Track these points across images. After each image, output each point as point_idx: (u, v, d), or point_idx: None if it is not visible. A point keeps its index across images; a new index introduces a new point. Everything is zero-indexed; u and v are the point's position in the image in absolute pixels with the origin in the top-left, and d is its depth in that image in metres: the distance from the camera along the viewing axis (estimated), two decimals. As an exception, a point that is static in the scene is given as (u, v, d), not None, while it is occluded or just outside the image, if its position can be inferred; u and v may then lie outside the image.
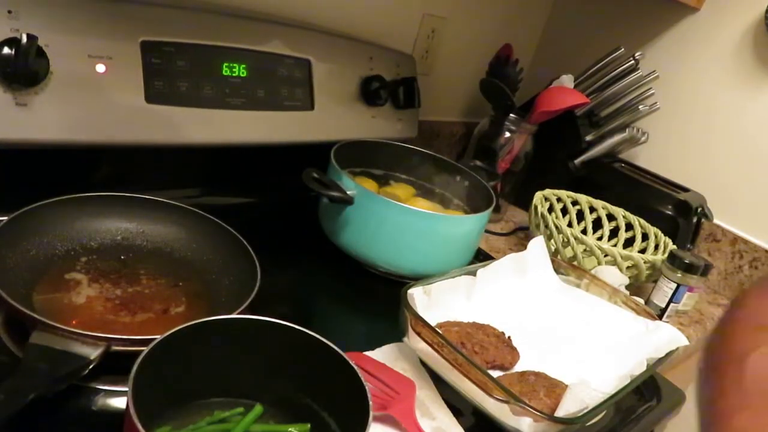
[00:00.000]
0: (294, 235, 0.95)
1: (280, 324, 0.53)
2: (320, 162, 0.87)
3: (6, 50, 0.65)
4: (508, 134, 1.20)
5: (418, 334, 0.66)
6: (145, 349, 0.46)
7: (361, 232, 0.85)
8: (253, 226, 0.76)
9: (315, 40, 0.98)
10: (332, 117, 1.00)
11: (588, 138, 1.27)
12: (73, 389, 0.54)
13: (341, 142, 0.92)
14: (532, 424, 0.60)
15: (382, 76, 1.04)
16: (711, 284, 1.28)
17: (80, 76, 0.73)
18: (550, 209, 1.18)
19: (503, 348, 0.75)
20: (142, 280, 0.69)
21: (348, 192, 0.82)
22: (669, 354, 0.75)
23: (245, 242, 0.71)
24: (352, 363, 0.52)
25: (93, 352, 0.52)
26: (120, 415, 0.43)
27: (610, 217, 1.20)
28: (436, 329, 0.67)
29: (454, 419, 0.64)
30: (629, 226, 1.18)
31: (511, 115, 1.19)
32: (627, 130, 1.24)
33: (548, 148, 1.25)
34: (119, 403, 0.55)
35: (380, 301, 0.85)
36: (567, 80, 1.21)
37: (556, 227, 1.03)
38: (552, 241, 1.03)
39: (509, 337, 0.77)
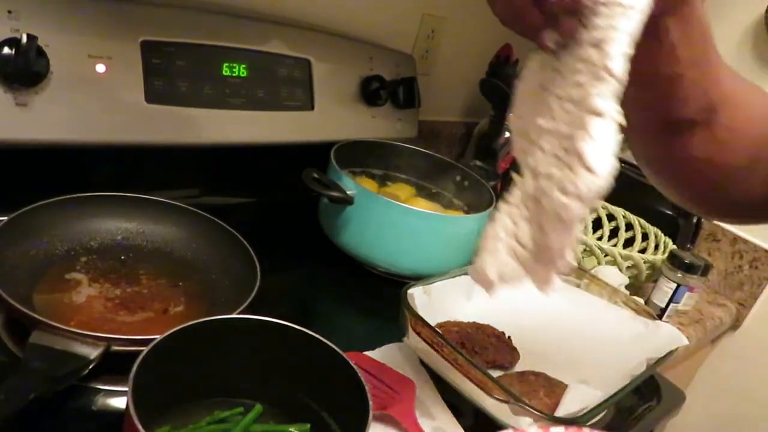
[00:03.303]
0: (294, 235, 0.95)
1: (280, 324, 0.53)
2: (320, 162, 0.87)
3: (6, 50, 0.66)
4: (508, 134, 1.20)
5: (418, 334, 0.66)
6: (145, 349, 0.46)
7: (361, 232, 0.85)
8: (253, 226, 0.76)
9: (315, 40, 0.98)
10: (332, 117, 1.00)
11: (588, 138, 1.27)
12: (73, 389, 0.54)
13: (341, 142, 0.92)
14: (532, 424, 0.60)
15: (382, 76, 1.04)
16: (711, 284, 1.28)
17: (80, 76, 0.73)
18: (550, 209, 1.18)
19: (503, 348, 0.75)
20: (142, 280, 0.69)
21: (348, 192, 0.82)
22: (669, 354, 0.75)
23: (245, 242, 0.71)
24: (352, 363, 0.52)
25: (93, 352, 0.52)
26: (120, 415, 0.43)
27: (610, 217, 1.20)
28: (436, 329, 0.67)
29: (454, 419, 0.64)
30: (629, 226, 1.18)
31: (511, 115, 1.19)
32: (627, 130, 1.24)
33: (548, 148, 1.25)
34: (119, 403, 0.55)
35: (380, 301, 0.85)
36: (567, 80, 1.20)
37: (556, 227, 1.03)
38: (552, 241, 1.03)
39: (509, 337, 0.77)
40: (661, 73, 0.49)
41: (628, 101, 0.52)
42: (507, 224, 0.38)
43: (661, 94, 0.51)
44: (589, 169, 0.32)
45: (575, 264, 0.37)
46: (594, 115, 0.33)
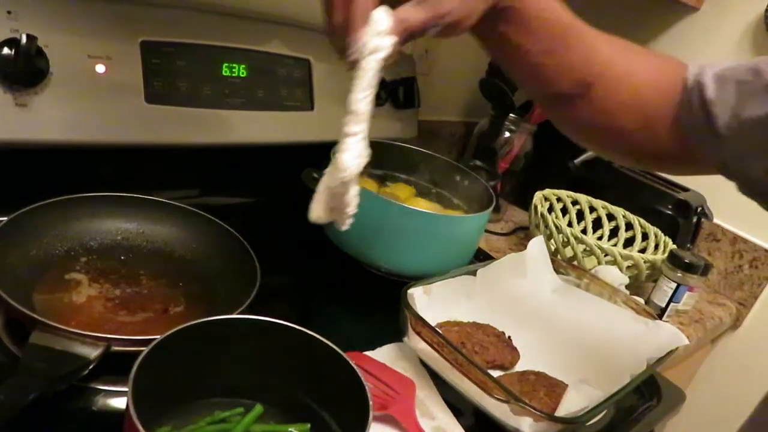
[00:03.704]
0: (294, 235, 0.95)
1: (280, 324, 0.53)
2: (320, 162, 0.87)
3: (6, 50, 0.66)
4: (508, 134, 1.20)
5: (418, 334, 0.66)
6: (145, 349, 0.46)
7: (361, 232, 0.85)
8: (253, 226, 0.76)
9: (315, 40, 0.98)
10: (332, 117, 1.00)
11: (588, 138, 1.27)
12: (73, 389, 0.54)
13: (341, 142, 0.92)
14: (533, 423, 0.60)
15: (382, 76, 1.04)
16: (711, 284, 1.28)
17: (80, 76, 0.73)
18: (550, 209, 1.18)
19: (503, 348, 0.75)
20: (142, 280, 0.69)
21: (348, 192, 0.82)
22: (669, 353, 0.75)
23: (245, 242, 0.71)
24: (352, 363, 0.52)
25: (93, 352, 0.52)
26: (120, 415, 0.43)
27: (610, 217, 1.20)
28: (436, 329, 0.67)
29: (454, 419, 0.64)
30: (629, 226, 1.18)
31: (511, 114, 1.19)
32: (627, 129, 1.24)
33: (548, 148, 1.25)
34: (119, 403, 0.55)
35: (380, 301, 0.85)
36: (567, 80, 1.20)
37: (556, 227, 1.03)
38: (552, 240, 1.03)
39: (509, 337, 0.77)
40: (522, 62, 0.56)
41: (516, 79, 0.61)
42: (323, 186, 0.55)
43: (530, 76, 0.58)
44: (342, 169, 0.50)
45: (353, 213, 0.57)
46: (346, 136, 0.50)
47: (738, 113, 0.52)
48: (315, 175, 0.82)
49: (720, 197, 1.24)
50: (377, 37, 0.47)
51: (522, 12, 0.52)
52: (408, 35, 0.49)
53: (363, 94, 0.49)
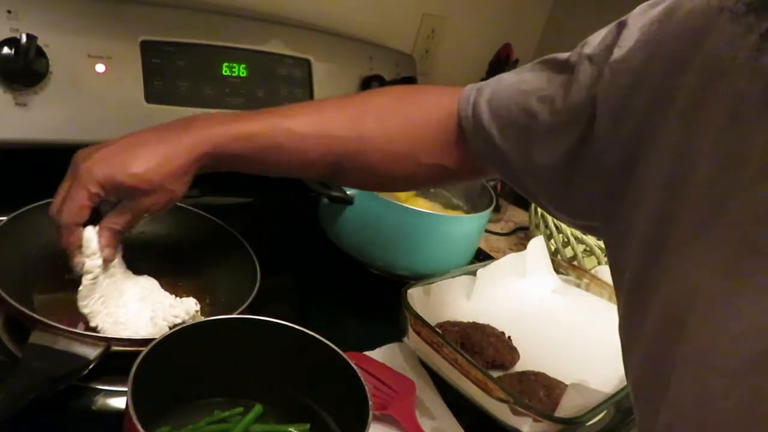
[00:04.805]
0: (294, 235, 0.95)
1: (280, 324, 0.53)
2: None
3: (6, 50, 0.66)
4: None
5: (418, 334, 0.66)
6: (145, 349, 0.46)
7: (361, 232, 0.85)
8: (253, 226, 0.76)
9: (315, 40, 0.98)
10: (332, 117, 1.00)
11: (588, 138, 1.27)
12: (73, 389, 0.54)
13: (341, 142, 0.92)
14: (532, 423, 0.60)
15: (382, 76, 1.04)
16: (711, 284, 1.28)
17: (80, 76, 0.73)
18: (550, 209, 1.18)
19: (503, 348, 0.75)
20: (142, 280, 0.69)
21: (348, 192, 0.82)
22: (669, 354, 0.75)
23: (245, 242, 0.71)
24: (352, 363, 0.52)
25: (93, 352, 0.52)
26: (120, 415, 0.43)
27: (610, 217, 1.20)
28: (436, 329, 0.67)
29: (454, 419, 0.64)
30: (629, 226, 1.17)
31: (511, 114, 1.19)
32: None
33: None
34: (119, 403, 0.55)
35: (380, 301, 0.85)
36: (567, 80, 1.20)
37: (556, 227, 1.03)
38: (552, 240, 1.03)
39: (509, 337, 0.77)
40: (270, 174, 0.64)
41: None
42: None
43: (287, 177, 0.65)
44: None
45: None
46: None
47: (529, 161, 0.52)
48: (315, 175, 0.82)
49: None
50: (90, 258, 0.57)
51: (233, 156, 0.59)
52: (121, 235, 0.58)
53: (86, 302, 0.58)
